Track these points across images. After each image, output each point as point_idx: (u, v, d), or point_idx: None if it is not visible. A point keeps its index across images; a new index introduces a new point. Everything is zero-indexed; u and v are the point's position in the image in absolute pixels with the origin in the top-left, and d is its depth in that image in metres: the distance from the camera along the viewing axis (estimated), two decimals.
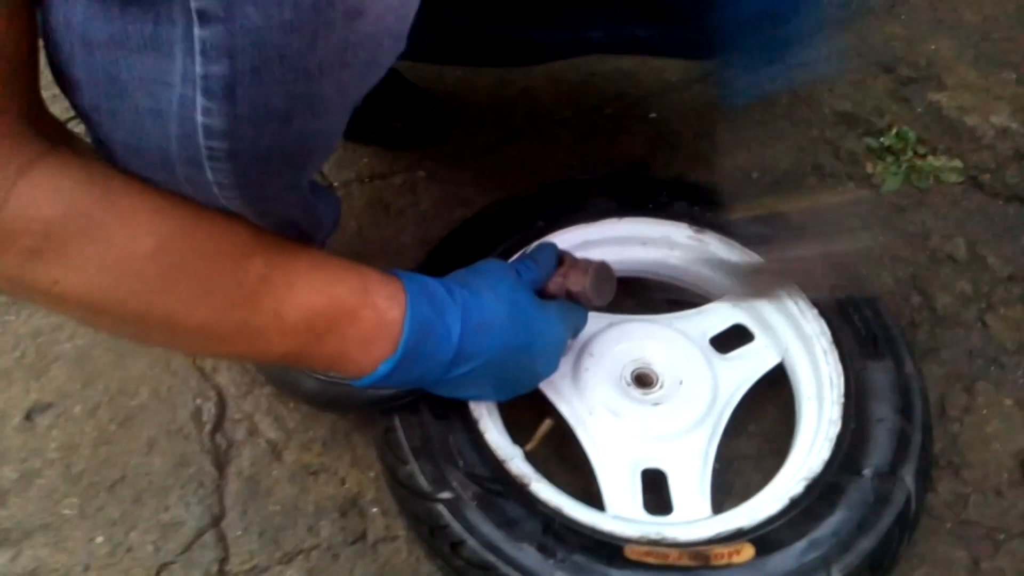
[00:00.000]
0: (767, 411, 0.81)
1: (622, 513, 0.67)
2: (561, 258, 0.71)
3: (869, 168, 1.02)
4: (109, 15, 0.38)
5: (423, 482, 0.65)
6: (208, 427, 0.79)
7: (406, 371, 0.59)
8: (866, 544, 0.62)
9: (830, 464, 0.67)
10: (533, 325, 0.64)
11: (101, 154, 0.47)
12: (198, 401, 0.80)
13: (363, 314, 0.57)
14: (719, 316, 0.81)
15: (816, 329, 0.76)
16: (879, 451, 0.67)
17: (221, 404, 0.80)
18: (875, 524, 0.63)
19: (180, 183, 0.46)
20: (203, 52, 0.38)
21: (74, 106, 0.44)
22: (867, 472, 0.66)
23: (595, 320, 0.76)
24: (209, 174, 0.44)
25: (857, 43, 1.17)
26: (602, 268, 0.70)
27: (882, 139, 1.05)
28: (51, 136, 0.46)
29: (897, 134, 1.05)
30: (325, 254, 0.58)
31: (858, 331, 0.75)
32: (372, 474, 0.76)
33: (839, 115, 1.08)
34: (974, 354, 0.86)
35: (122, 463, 0.77)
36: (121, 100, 0.41)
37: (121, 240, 0.46)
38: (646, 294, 0.86)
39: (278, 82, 0.39)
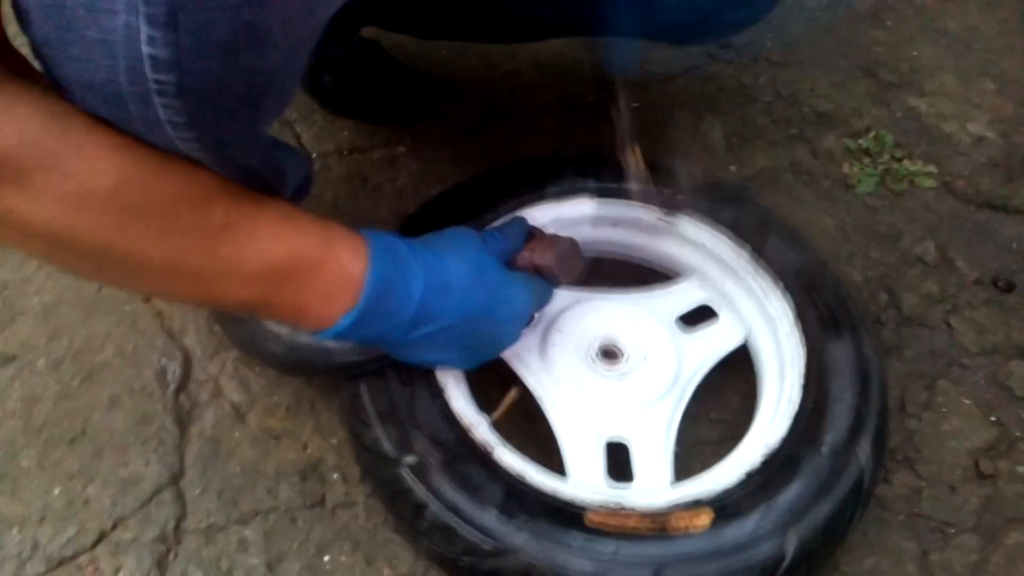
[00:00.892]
0: (730, 398, 0.82)
1: (584, 481, 0.68)
2: (531, 233, 0.72)
3: (845, 168, 1.04)
4: None
5: (387, 447, 0.66)
6: (172, 387, 0.79)
7: (367, 327, 0.59)
8: (821, 511, 0.64)
9: (788, 438, 0.69)
10: (496, 290, 0.65)
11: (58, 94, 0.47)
12: (163, 361, 0.80)
13: (325, 266, 0.57)
14: (685, 295, 0.82)
15: (780, 310, 0.77)
16: (836, 427, 0.69)
17: (187, 365, 0.80)
18: (830, 494, 0.65)
19: (135, 123, 0.45)
20: None
21: (29, 41, 0.44)
22: (824, 448, 0.67)
23: (564, 296, 0.77)
24: (160, 111, 0.43)
25: (841, 45, 1.19)
26: (570, 245, 0.71)
27: (860, 141, 1.06)
28: (14, 70, 0.45)
29: (875, 137, 1.07)
30: (290, 207, 0.58)
31: (820, 313, 0.76)
32: (334, 441, 0.77)
33: (819, 115, 1.09)
34: (937, 354, 0.88)
35: (83, 418, 0.76)
36: (69, 30, 0.41)
37: (79, 174, 0.46)
38: (615, 272, 0.87)
39: (220, 8, 0.39)
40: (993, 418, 0.83)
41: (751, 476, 0.66)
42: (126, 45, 0.40)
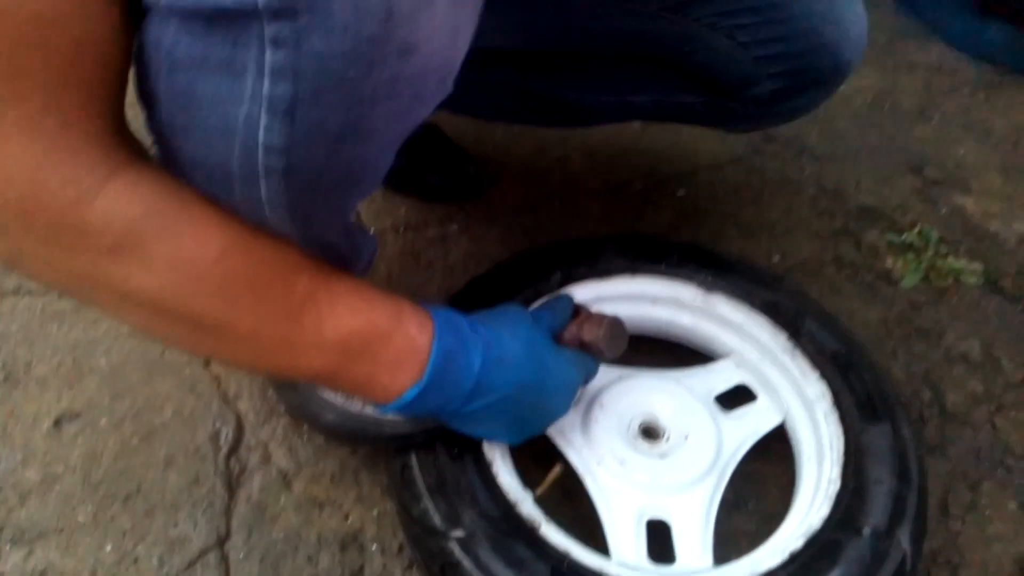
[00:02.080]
0: (768, 490, 0.82)
1: (627, 560, 0.69)
2: (577, 310, 0.74)
3: (889, 263, 1.05)
4: (194, 37, 0.43)
5: (436, 520, 0.67)
6: (224, 450, 0.82)
7: (429, 398, 0.62)
8: None
9: (829, 521, 0.69)
10: (547, 365, 0.67)
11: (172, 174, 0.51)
12: (218, 424, 0.83)
13: (395, 338, 0.60)
14: (724, 375, 0.84)
15: (817, 392, 0.78)
16: (877, 511, 0.69)
17: (239, 430, 0.83)
18: None
19: (235, 200, 0.50)
20: (272, 74, 0.42)
21: (150, 123, 0.49)
22: (865, 531, 0.67)
23: (606, 373, 0.79)
24: (263, 191, 0.48)
25: (886, 142, 1.21)
26: (615, 322, 0.73)
27: (904, 236, 1.07)
28: (131, 148, 0.50)
29: (920, 232, 1.08)
30: (361, 281, 0.62)
31: (858, 395, 0.77)
32: (375, 512, 0.78)
33: (863, 209, 1.11)
34: (981, 454, 0.87)
35: (139, 477, 0.79)
36: (194, 116, 0.46)
37: (191, 243, 0.50)
38: (655, 350, 0.89)
39: (334, 106, 0.44)
40: None
41: (795, 557, 0.66)
42: (245, 132, 0.45)
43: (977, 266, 1.05)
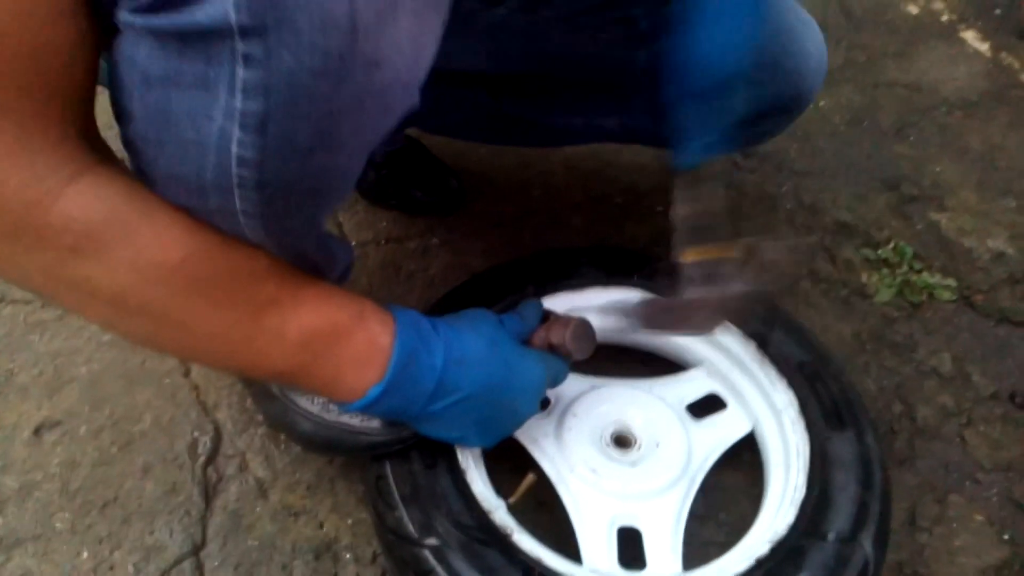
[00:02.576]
0: (739, 501, 0.83)
1: (598, 567, 0.70)
2: (546, 315, 0.76)
3: (864, 278, 1.06)
4: (168, 55, 0.44)
5: (411, 528, 0.69)
6: (202, 459, 0.83)
7: (393, 397, 0.63)
8: None
9: (795, 528, 0.70)
10: (512, 363, 0.69)
11: (141, 183, 0.53)
12: (196, 433, 0.84)
13: (357, 337, 0.61)
14: (695, 384, 0.85)
15: (785, 400, 0.80)
16: (841, 517, 0.70)
17: (217, 439, 0.84)
18: None
19: (210, 211, 0.52)
20: (243, 90, 0.44)
21: (124, 137, 0.50)
22: (830, 536, 0.69)
23: (579, 382, 0.81)
24: (237, 202, 0.49)
25: (864, 159, 1.23)
26: (582, 323, 0.74)
27: (879, 251, 1.09)
28: (100, 154, 0.52)
29: (894, 248, 1.09)
30: (330, 286, 0.64)
31: (824, 404, 0.79)
32: (350, 521, 0.79)
33: (839, 225, 1.13)
34: (950, 468, 0.88)
35: (117, 485, 0.80)
36: (168, 131, 0.47)
37: (153, 248, 0.52)
38: (627, 360, 0.90)
39: (304, 120, 0.45)
40: (1006, 536, 0.83)
41: (761, 563, 0.68)
42: (218, 145, 0.46)
43: (951, 282, 1.06)
